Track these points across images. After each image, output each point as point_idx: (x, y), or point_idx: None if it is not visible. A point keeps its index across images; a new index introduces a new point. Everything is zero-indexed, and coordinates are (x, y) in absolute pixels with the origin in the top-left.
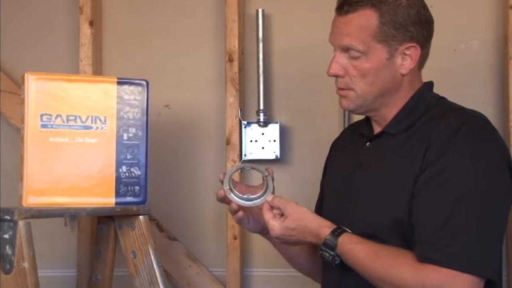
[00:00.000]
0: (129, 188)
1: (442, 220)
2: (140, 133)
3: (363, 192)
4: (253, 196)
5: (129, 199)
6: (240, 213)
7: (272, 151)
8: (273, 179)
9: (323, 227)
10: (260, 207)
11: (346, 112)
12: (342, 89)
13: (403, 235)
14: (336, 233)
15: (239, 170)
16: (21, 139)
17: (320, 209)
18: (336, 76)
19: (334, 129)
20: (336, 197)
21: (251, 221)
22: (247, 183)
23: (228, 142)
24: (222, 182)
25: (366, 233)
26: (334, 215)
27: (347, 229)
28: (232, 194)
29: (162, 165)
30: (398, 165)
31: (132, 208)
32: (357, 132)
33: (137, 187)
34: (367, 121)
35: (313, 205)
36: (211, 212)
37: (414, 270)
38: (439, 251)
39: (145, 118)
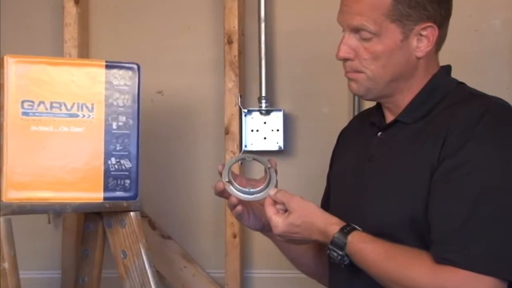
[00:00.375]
0: (118, 182)
1: (461, 218)
2: (130, 121)
3: (374, 187)
4: (254, 190)
5: (118, 194)
6: (239, 208)
7: (275, 141)
8: (276, 172)
9: (331, 224)
10: (261, 202)
11: (356, 99)
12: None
13: (418, 234)
14: (345, 231)
15: (240, 162)
16: (0, 128)
17: (327, 205)
18: (346, 59)
19: (342, 118)
20: (344, 192)
21: (252, 217)
22: (248, 176)
23: (227, 132)
24: (220, 174)
25: (377, 232)
26: (342, 211)
27: (357, 227)
28: (231, 187)
29: (155, 156)
30: (413, 157)
31: (122, 203)
32: (367, 121)
33: (128, 181)
34: (379, 108)
35: (319, 200)
36: (208, 208)
37: (430, 272)
38: (458, 251)
39: (136, 105)
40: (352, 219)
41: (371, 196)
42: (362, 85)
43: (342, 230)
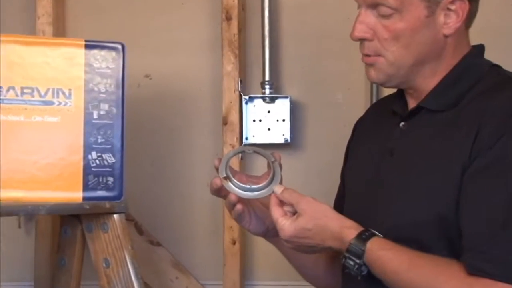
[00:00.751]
0: (100, 180)
1: (497, 223)
2: (114, 110)
3: (395, 185)
4: (256, 186)
5: (100, 193)
6: (239, 207)
7: (280, 133)
8: (281, 167)
9: (347, 228)
10: (265, 202)
11: (374, 84)
12: (370, 55)
13: (448, 239)
14: (363, 237)
15: (239, 155)
16: None
17: (340, 206)
18: (362, 39)
19: (358, 106)
20: (361, 191)
21: (254, 220)
22: (248, 173)
23: (225, 122)
24: (217, 169)
25: (400, 237)
26: (358, 213)
27: (376, 232)
28: (229, 184)
29: (142, 150)
30: (440, 151)
31: (104, 204)
32: (387, 109)
33: (111, 179)
34: (401, 95)
35: (331, 201)
36: (204, 209)
37: (462, 285)
38: (494, 261)
39: (120, 91)
40: (370, 222)
41: (393, 196)
42: (382, 72)
43: (359, 235)
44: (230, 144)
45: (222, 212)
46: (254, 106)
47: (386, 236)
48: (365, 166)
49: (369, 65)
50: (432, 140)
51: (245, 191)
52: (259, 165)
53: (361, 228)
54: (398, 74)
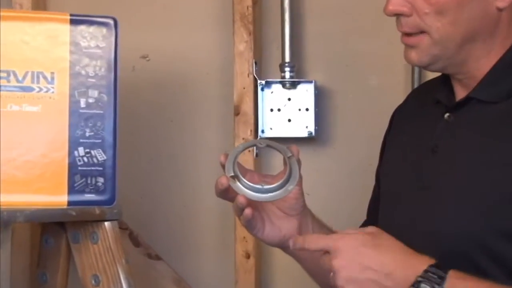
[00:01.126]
0: (88, 181)
1: None
2: (105, 97)
3: (444, 189)
4: (269, 186)
5: (88, 197)
6: (249, 211)
7: (303, 124)
8: (299, 163)
9: (413, 253)
10: (281, 205)
11: (416, 67)
12: (409, 34)
13: (505, 260)
14: (437, 264)
15: (253, 150)
16: None
17: (375, 211)
18: (398, 15)
19: (396, 92)
20: (400, 195)
21: (267, 227)
22: (265, 172)
23: (236, 112)
24: (223, 166)
25: (451, 252)
26: (398, 222)
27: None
28: (238, 183)
29: (138, 146)
30: (496, 149)
31: (93, 210)
32: (430, 97)
33: (101, 180)
34: (445, 81)
35: (364, 206)
36: (212, 216)
37: None
38: None
39: (112, 75)
40: (411, 232)
41: (442, 201)
42: (426, 52)
43: (435, 262)
44: (243, 139)
45: (233, 219)
46: (272, 92)
47: (429, 247)
48: (405, 164)
49: (409, 47)
50: (484, 137)
51: (256, 192)
52: (278, 163)
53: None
54: (445, 55)
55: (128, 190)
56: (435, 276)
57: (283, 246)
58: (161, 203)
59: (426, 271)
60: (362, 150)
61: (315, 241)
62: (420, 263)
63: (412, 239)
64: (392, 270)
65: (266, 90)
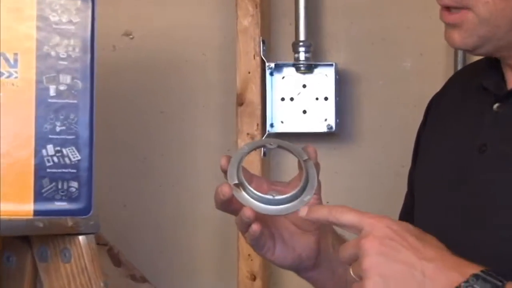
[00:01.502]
0: (59, 186)
1: None
2: (79, 84)
3: (496, 195)
4: (281, 197)
5: (59, 205)
6: (257, 227)
7: (321, 117)
8: (318, 167)
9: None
10: (296, 219)
11: (458, 51)
12: (451, 10)
13: None
14: (491, 273)
15: (260, 151)
16: None
17: (408, 218)
18: None
19: (434, 77)
20: (440, 202)
21: (279, 246)
22: (274, 178)
23: (240, 102)
24: (225, 172)
25: (503, 267)
26: (436, 232)
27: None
28: (243, 193)
29: (119, 143)
30: None
31: (64, 222)
32: (475, 84)
33: (75, 184)
34: (493, 65)
35: (396, 215)
36: (209, 230)
37: None
38: None
39: (88, 57)
40: (456, 245)
41: (490, 209)
42: (471, 33)
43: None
44: (248, 134)
45: (236, 233)
46: (283, 78)
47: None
48: (445, 166)
49: (451, 26)
50: None
51: (265, 203)
52: (291, 164)
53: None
54: (495, 35)
55: (108, 197)
56: (495, 280)
57: (297, 268)
58: (149, 214)
59: (477, 276)
60: (393, 149)
61: (344, 214)
62: (469, 267)
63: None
64: (433, 268)
65: (276, 75)
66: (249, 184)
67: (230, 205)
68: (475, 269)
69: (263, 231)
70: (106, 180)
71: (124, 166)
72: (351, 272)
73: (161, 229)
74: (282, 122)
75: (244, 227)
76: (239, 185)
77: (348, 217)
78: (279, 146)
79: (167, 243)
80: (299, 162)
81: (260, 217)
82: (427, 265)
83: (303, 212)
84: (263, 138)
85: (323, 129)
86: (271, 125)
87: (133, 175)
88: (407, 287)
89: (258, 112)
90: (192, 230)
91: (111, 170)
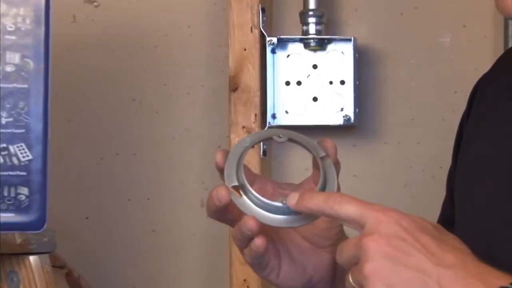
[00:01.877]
0: (5, 193)
1: None
2: (31, 64)
3: None
4: None
5: (5, 216)
6: (262, 241)
7: (336, 106)
8: (338, 166)
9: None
10: (308, 232)
11: (510, 22)
12: None
13: None
14: None
15: (260, 146)
16: None
17: (448, 214)
18: None
19: (480, 56)
20: (489, 204)
21: (286, 265)
22: (279, 179)
23: (234, 87)
24: (221, 171)
25: None
26: (483, 242)
27: None
28: (244, 198)
29: (82, 139)
30: None
31: (12, 238)
32: None
33: (24, 190)
34: None
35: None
36: (194, 247)
37: None
38: None
39: (42, 30)
40: (502, 248)
41: None
42: None
43: None
44: (244, 128)
45: (228, 251)
46: (289, 56)
47: None
48: (495, 163)
49: None
50: None
51: (272, 212)
52: (299, 164)
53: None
54: None
55: (66, 207)
56: None
57: None
58: (118, 227)
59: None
60: (428, 146)
61: (344, 205)
62: (497, 277)
63: None
64: (452, 276)
65: (280, 53)
66: (251, 185)
67: (226, 213)
68: (505, 280)
69: (267, 248)
70: (64, 185)
71: (86, 168)
72: (350, 279)
73: (135, 247)
74: (286, 112)
75: (244, 241)
76: (240, 188)
77: (349, 209)
78: (290, 140)
79: (140, 264)
80: (314, 159)
81: (265, 230)
82: (444, 273)
83: (292, 200)
84: (267, 129)
85: (339, 121)
86: (273, 116)
87: (98, 179)
88: None
89: (257, 100)
90: (172, 248)
91: (70, 174)
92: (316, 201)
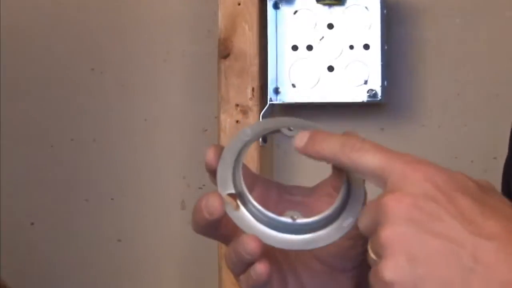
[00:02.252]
0: None
1: None
2: None
3: None
4: (305, 220)
5: None
6: (264, 268)
7: (359, 78)
8: None
9: None
10: (323, 253)
11: None
12: None
13: None
14: None
15: (263, 141)
16: None
17: None
18: None
19: None
20: None
21: None
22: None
23: (224, 53)
24: (214, 173)
25: None
26: None
27: None
28: (243, 210)
29: (30, 126)
30: None
31: None
32: None
33: None
34: None
35: None
36: (170, 260)
37: None
38: None
39: None
40: None
41: None
42: None
43: None
44: (238, 106)
45: (216, 275)
46: (296, 13)
47: None
48: None
49: None
50: None
51: (279, 230)
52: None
53: None
54: None
55: (8, 211)
56: None
57: None
58: (72, 235)
59: None
60: (478, 132)
61: (364, 154)
62: None
63: None
64: (493, 250)
65: (285, 9)
66: (250, 192)
67: (218, 229)
68: None
69: (271, 275)
70: (6, 184)
71: (35, 159)
72: (370, 251)
73: (92, 261)
74: (293, 85)
75: (242, 266)
76: (237, 196)
77: (369, 159)
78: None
79: (99, 283)
80: None
81: (269, 252)
82: (484, 245)
83: (301, 141)
84: (263, 111)
85: (362, 97)
86: (276, 91)
87: (47, 174)
88: (446, 277)
89: (254, 70)
90: (142, 263)
91: (14, 168)
92: (331, 145)
